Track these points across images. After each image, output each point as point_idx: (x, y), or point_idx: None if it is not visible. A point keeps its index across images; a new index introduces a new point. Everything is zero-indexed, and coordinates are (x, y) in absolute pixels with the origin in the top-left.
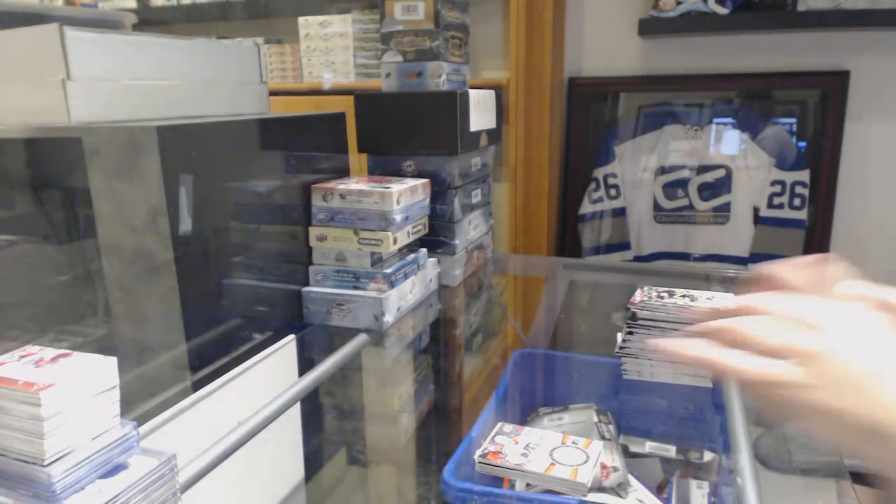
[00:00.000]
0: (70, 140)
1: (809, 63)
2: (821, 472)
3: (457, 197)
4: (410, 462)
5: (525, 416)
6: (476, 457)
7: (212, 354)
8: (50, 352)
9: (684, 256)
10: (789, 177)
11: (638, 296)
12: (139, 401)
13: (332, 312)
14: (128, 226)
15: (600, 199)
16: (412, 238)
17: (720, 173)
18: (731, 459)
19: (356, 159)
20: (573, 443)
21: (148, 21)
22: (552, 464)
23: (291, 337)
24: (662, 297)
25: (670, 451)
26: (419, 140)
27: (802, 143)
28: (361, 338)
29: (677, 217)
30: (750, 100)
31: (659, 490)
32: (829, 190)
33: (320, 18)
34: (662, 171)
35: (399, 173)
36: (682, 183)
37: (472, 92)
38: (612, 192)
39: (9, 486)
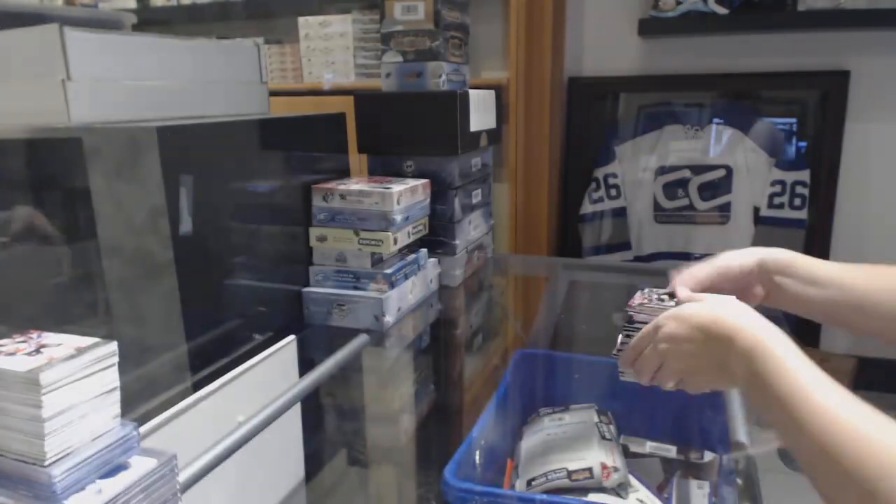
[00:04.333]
0: (70, 140)
1: (809, 63)
2: None
3: (457, 197)
4: (411, 462)
5: (526, 416)
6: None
7: (212, 355)
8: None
9: (684, 256)
10: (789, 177)
11: (637, 298)
12: (139, 401)
13: (333, 313)
14: (128, 226)
15: (600, 199)
16: (412, 238)
17: (720, 173)
18: (731, 459)
19: (356, 159)
20: None
21: (148, 21)
22: None
23: (292, 337)
24: (663, 300)
25: (670, 451)
26: (419, 140)
27: (803, 143)
28: (362, 338)
29: (677, 217)
30: (750, 100)
31: (659, 490)
32: (829, 190)
33: (320, 18)
34: (662, 171)
35: (399, 173)
36: (683, 183)
37: (472, 92)
38: (613, 192)
39: (9, 487)
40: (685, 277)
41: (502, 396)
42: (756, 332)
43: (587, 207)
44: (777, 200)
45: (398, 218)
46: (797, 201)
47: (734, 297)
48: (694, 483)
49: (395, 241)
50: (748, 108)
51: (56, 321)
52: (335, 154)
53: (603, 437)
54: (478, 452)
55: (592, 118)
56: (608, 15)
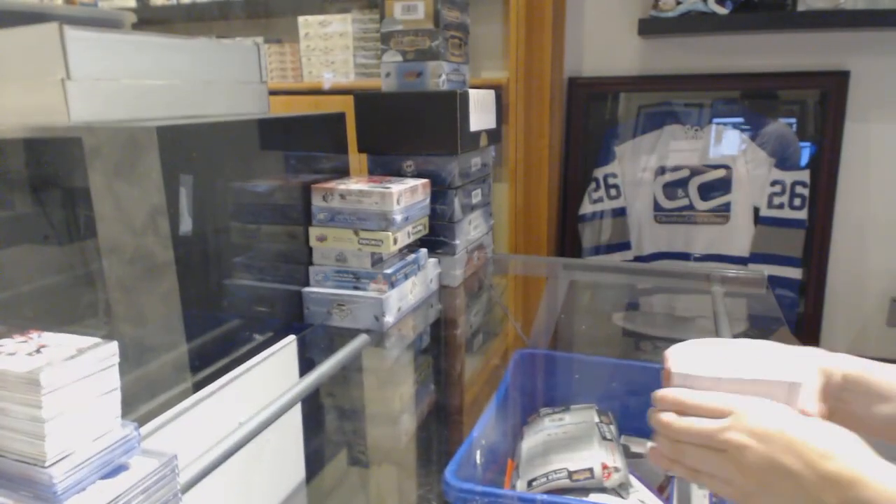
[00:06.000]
0: (70, 140)
1: (809, 63)
2: None
3: (457, 197)
4: (411, 462)
5: (526, 416)
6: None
7: (212, 355)
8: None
9: (684, 256)
10: (789, 177)
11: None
12: (140, 401)
13: (333, 313)
14: (128, 226)
15: (600, 199)
16: (412, 238)
17: (720, 173)
18: None
19: (356, 159)
20: None
21: (148, 20)
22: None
23: (292, 337)
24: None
25: None
26: (419, 140)
27: (803, 143)
28: (362, 338)
29: (677, 217)
30: (750, 100)
31: (660, 490)
32: (829, 190)
33: (320, 18)
34: (662, 170)
35: (399, 173)
36: (682, 183)
37: (472, 92)
38: (613, 191)
39: (10, 488)
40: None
41: (503, 396)
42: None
43: (587, 207)
44: (777, 200)
45: (398, 218)
46: (797, 201)
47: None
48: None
49: (395, 241)
50: (748, 108)
51: (56, 321)
52: (335, 154)
53: (603, 438)
54: (478, 452)
55: (592, 118)
56: (608, 15)
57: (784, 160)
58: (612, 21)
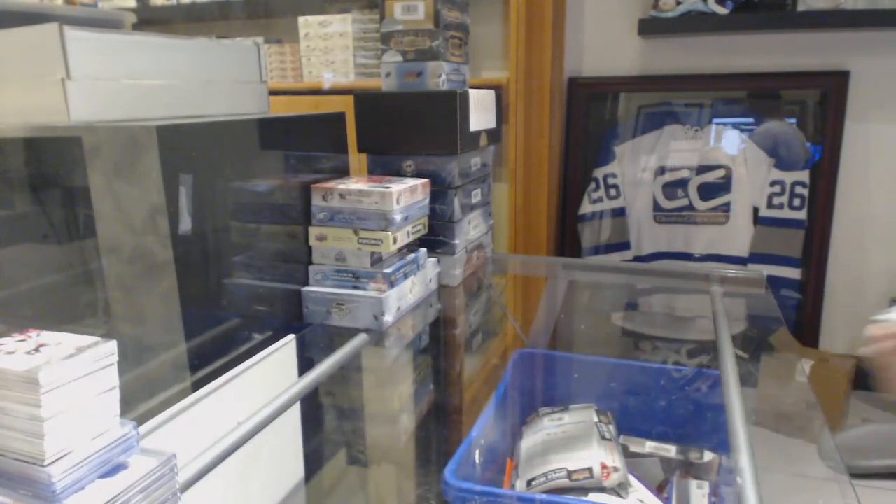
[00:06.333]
0: (70, 140)
1: (809, 63)
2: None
3: (456, 197)
4: (410, 462)
5: (525, 416)
6: None
7: (211, 354)
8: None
9: (684, 256)
10: (789, 177)
11: None
12: (139, 400)
13: (332, 312)
14: (128, 225)
15: (600, 199)
16: (412, 238)
17: (720, 173)
18: (731, 459)
19: (356, 159)
20: None
21: (148, 20)
22: None
23: (291, 337)
24: None
25: (670, 451)
26: (419, 140)
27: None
28: (361, 337)
29: (677, 217)
30: (750, 100)
31: (659, 490)
32: (828, 190)
33: (320, 18)
34: (662, 171)
35: (399, 173)
36: (682, 183)
37: (472, 92)
38: (612, 191)
39: (9, 487)
40: None
41: (502, 396)
42: None
43: (587, 207)
44: (776, 201)
45: (398, 217)
46: (797, 201)
47: None
48: (693, 483)
49: (395, 241)
50: (748, 108)
51: (56, 320)
52: (335, 153)
53: (602, 437)
54: (478, 452)
55: (592, 118)
56: (608, 15)
57: (784, 160)
58: (612, 21)
